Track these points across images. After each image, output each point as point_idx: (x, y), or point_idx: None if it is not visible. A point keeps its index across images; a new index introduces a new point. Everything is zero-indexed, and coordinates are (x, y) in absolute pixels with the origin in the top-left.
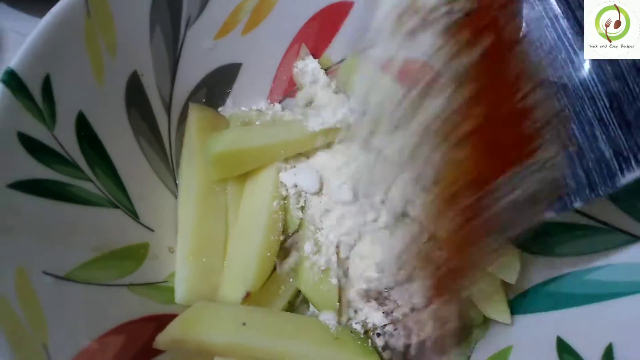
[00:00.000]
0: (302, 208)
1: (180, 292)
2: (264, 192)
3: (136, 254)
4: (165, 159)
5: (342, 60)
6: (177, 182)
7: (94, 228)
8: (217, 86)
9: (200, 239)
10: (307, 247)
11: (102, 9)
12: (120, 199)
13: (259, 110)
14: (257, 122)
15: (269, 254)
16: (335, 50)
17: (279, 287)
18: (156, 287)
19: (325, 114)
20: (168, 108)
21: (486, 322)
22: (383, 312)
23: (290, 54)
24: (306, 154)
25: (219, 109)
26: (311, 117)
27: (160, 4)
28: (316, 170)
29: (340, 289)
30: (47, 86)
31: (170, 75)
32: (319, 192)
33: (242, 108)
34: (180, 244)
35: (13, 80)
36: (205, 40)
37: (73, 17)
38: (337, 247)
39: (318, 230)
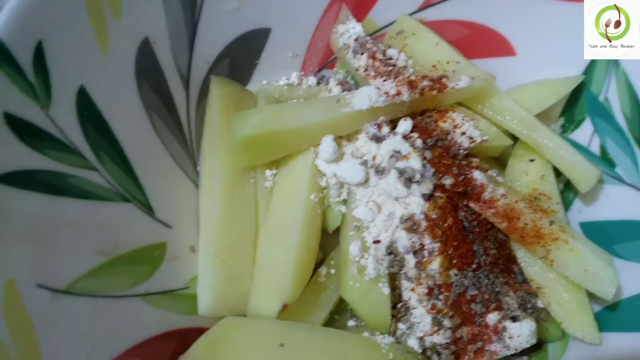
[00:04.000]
0: (345, 201)
1: (205, 302)
2: (299, 183)
3: (151, 257)
4: (183, 141)
5: (390, 24)
6: (197, 169)
7: (101, 228)
8: (242, 56)
9: (226, 237)
10: (353, 248)
11: None
12: (132, 190)
13: (291, 85)
14: (290, 100)
15: (307, 257)
16: (381, 11)
17: (319, 296)
18: (176, 295)
19: (371, 89)
20: (186, 82)
21: (565, 337)
22: (448, 328)
23: (328, 17)
24: (348, 138)
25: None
26: (355, 93)
27: None
28: (360, 156)
29: (394, 297)
30: (39, 55)
31: (187, 43)
32: (364, 182)
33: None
34: (203, 243)
35: None
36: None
37: None
38: (389, 247)
39: (365, 228)
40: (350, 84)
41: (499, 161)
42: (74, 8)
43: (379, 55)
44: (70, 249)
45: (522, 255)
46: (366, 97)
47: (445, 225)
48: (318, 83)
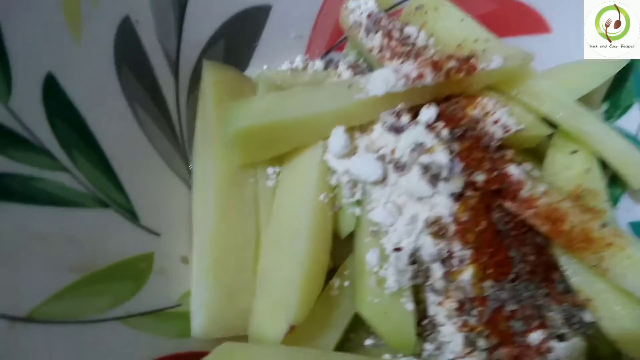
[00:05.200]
0: (359, 203)
1: (199, 322)
2: (306, 182)
3: (136, 271)
4: (172, 135)
5: None
6: (190, 167)
7: (74, 239)
8: (239, 37)
9: (223, 246)
10: (370, 257)
11: None
12: (112, 193)
13: (295, 70)
14: (295, 86)
15: (316, 268)
16: None
17: (331, 313)
18: (165, 315)
19: (387, 72)
20: (175, 67)
21: (615, 356)
22: (483, 349)
23: None
24: (361, 129)
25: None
26: (370, 77)
27: None
28: (376, 150)
29: (419, 312)
30: None
31: (176, 22)
32: (381, 180)
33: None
34: (196, 253)
35: None
36: None
37: None
38: (413, 255)
39: (383, 234)
40: (363, 67)
41: (534, 153)
42: None
43: (396, 34)
44: (37, 266)
45: (567, 263)
46: (382, 81)
47: (478, 229)
48: (326, 67)
